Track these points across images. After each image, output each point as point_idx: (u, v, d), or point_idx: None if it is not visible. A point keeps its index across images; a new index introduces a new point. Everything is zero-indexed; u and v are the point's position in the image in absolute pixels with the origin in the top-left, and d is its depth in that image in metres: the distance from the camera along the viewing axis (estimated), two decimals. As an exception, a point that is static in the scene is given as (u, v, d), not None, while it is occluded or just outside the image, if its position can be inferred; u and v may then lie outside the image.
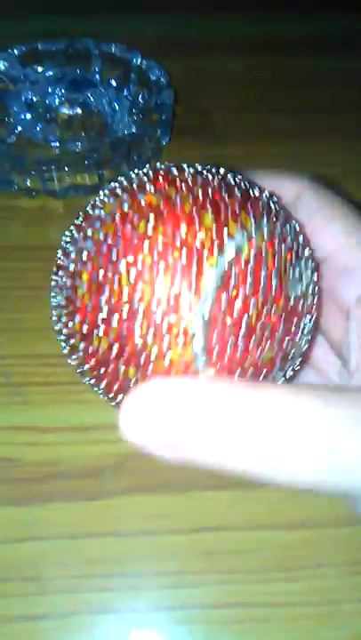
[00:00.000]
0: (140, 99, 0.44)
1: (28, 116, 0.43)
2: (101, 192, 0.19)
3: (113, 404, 0.19)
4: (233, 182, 0.18)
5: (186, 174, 0.18)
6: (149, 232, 0.16)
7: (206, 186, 0.17)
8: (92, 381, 0.19)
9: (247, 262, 0.17)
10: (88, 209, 0.19)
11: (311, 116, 0.47)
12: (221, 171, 0.19)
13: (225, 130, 0.46)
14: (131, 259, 0.16)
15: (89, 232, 0.18)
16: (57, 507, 0.28)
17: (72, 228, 0.19)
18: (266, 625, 0.25)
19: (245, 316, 0.16)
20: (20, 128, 0.42)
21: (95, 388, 0.19)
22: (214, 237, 0.16)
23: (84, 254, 0.17)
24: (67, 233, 0.19)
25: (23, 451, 0.29)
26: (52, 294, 0.19)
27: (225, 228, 0.16)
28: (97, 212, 0.18)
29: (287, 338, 0.18)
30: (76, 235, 0.18)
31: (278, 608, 0.26)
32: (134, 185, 0.18)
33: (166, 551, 0.27)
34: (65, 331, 0.19)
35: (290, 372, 0.19)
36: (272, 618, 0.26)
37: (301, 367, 0.21)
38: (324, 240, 0.21)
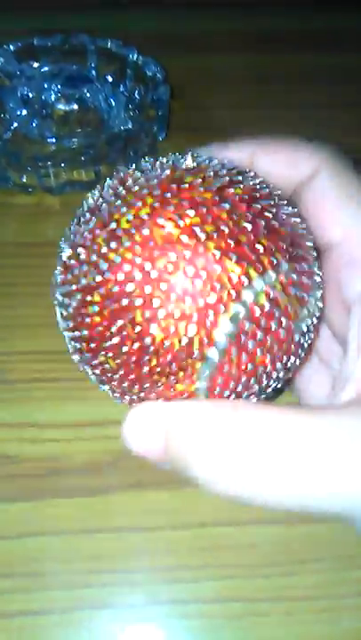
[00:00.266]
0: (136, 94, 0.43)
1: (24, 111, 0.43)
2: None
3: (117, 400, 0.19)
4: (259, 205, 0.17)
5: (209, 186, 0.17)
6: (170, 269, 0.16)
7: (231, 213, 0.17)
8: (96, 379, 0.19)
9: (262, 308, 0.16)
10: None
11: (312, 112, 0.46)
12: (243, 187, 0.18)
13: (224, 126, 0.45)
14: (146, 299, 0.16)
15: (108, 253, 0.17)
16: (56, 503, 0.28)
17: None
18: (265, 619, 0.26)
19: (252, 362, 0.17)
20: (15, 124, 0.42)
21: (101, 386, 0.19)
22: (234, 284, 0.16)
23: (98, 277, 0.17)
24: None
25: (22, 447, 0.29)
26: (58, 294, 0.18)
27: (245, 277, 0.16)
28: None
29: (288, 364, 0.18)
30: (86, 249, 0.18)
31: (278, 603, 0.26)
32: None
33: (166, 546, 0.27)
34: (70, 335, 0.18)
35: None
36: (271, 612, 0.26)
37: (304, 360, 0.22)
38: (334, 226, 0.20)
